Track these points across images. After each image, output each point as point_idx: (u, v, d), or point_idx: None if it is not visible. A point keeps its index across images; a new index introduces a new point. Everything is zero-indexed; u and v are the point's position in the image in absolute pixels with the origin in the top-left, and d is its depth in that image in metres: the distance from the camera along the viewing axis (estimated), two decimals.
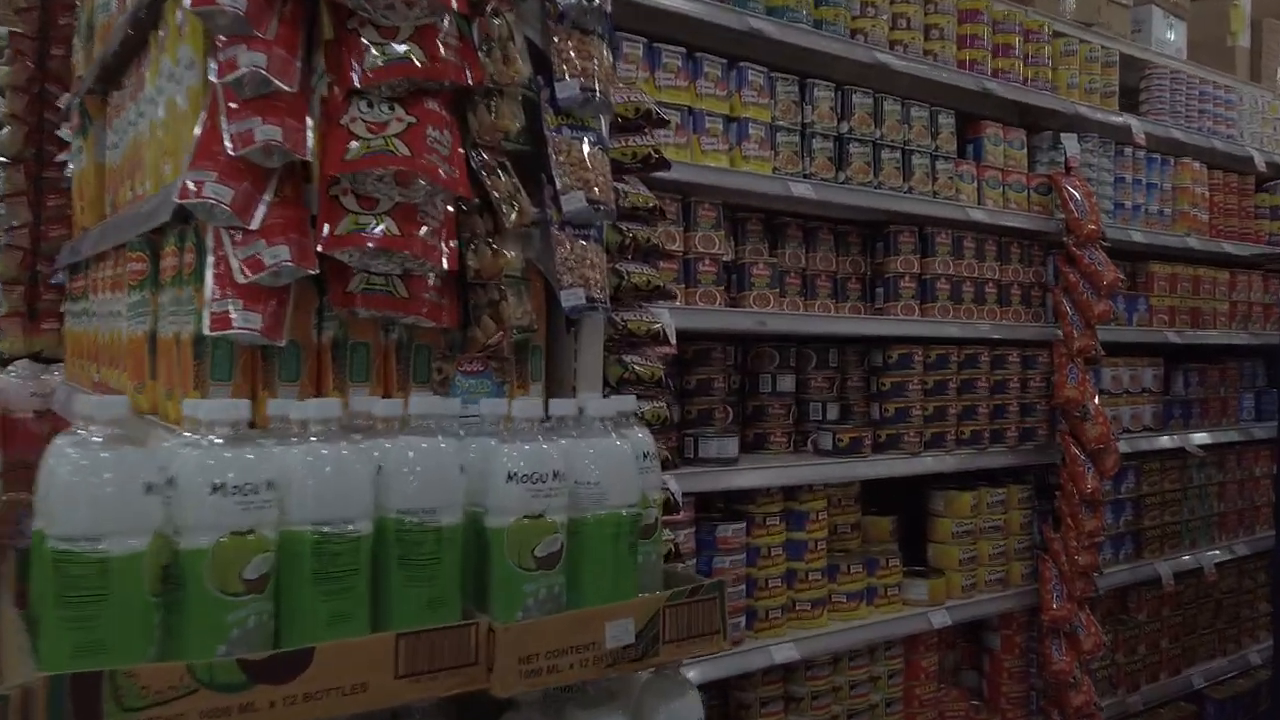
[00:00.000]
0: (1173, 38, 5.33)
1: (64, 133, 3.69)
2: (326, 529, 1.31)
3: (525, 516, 1.45)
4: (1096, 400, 3.91)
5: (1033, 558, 3.93)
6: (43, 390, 3.18)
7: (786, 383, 3.33)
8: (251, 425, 1.80)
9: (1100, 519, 3.88)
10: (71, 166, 3.22)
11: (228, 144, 1.64)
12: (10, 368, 3.25)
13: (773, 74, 3.12)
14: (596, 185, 2.10)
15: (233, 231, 1.68)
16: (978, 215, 3.66)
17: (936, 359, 3.55)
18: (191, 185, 1.63)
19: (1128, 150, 4.57)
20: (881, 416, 3.44)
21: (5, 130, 3.66)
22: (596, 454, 1.55)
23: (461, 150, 1.87)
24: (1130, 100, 4.81)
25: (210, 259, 1.69)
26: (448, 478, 1.43)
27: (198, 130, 1.70)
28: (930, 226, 3.60)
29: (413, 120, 1.77)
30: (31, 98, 3.67)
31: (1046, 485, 4.07)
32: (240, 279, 1.65)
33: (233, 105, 1.66)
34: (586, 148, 2.13)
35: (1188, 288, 4.93)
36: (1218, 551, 4.89)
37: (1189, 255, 4.98)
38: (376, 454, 1.43)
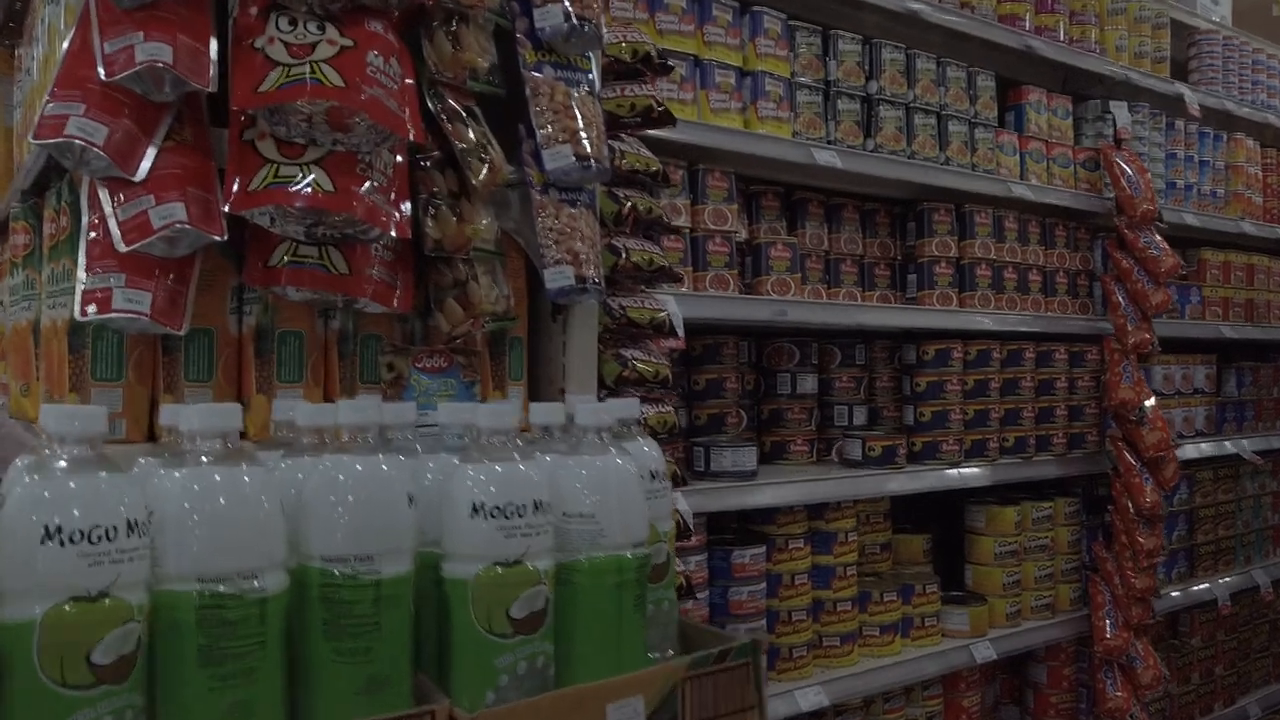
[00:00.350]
0: (1217, 3, 5.03)
1: None
2: (219, 588, 0.97)
3: (497, 563, 1.11)
4: (1153, 402, 3.59)
5: (1081, 580, 3.61)
6: None
7: (808, 383, 3.00)
8: (152, 438, 1.48)
9: (1159, 537, 3.56)
10: None
11: (100, 68, 1.30)
12: None
13: (791, 22, 2.78)
14: (587, 138, 1.76)
15: (112, 185, 1.33)
16: (1021, 192, 3.34)
17: (977, 356, 3.22)
18: (50, 121, 1.29)
19: (1179, 123, 4.25)
20: (916, 421, 3.11)
21: None
22: (591, 476, 1.21)
23: (413, 83, 1.54)
24: (1176, 72, 4.50)
25: (85, 222, 1.35)
26: (391, 512, 1.09)
27: (63, 46, 1.35)
28: (969, 204, 3.27)
29: (349, 44, 1.43)
30: None
31: (1094, 498, 3.75)
32: (122, 246, 1.31)
33: (107, 17, 1.31)
34: (574, 92, 1.79)
35: (1241, 277, 4.63)
36: (1275, 566, 4.59)
37: (1243, 241, 4.67)
38: (292, 480, 1.09)
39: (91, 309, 1.30)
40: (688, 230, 2.55)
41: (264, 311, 1.52)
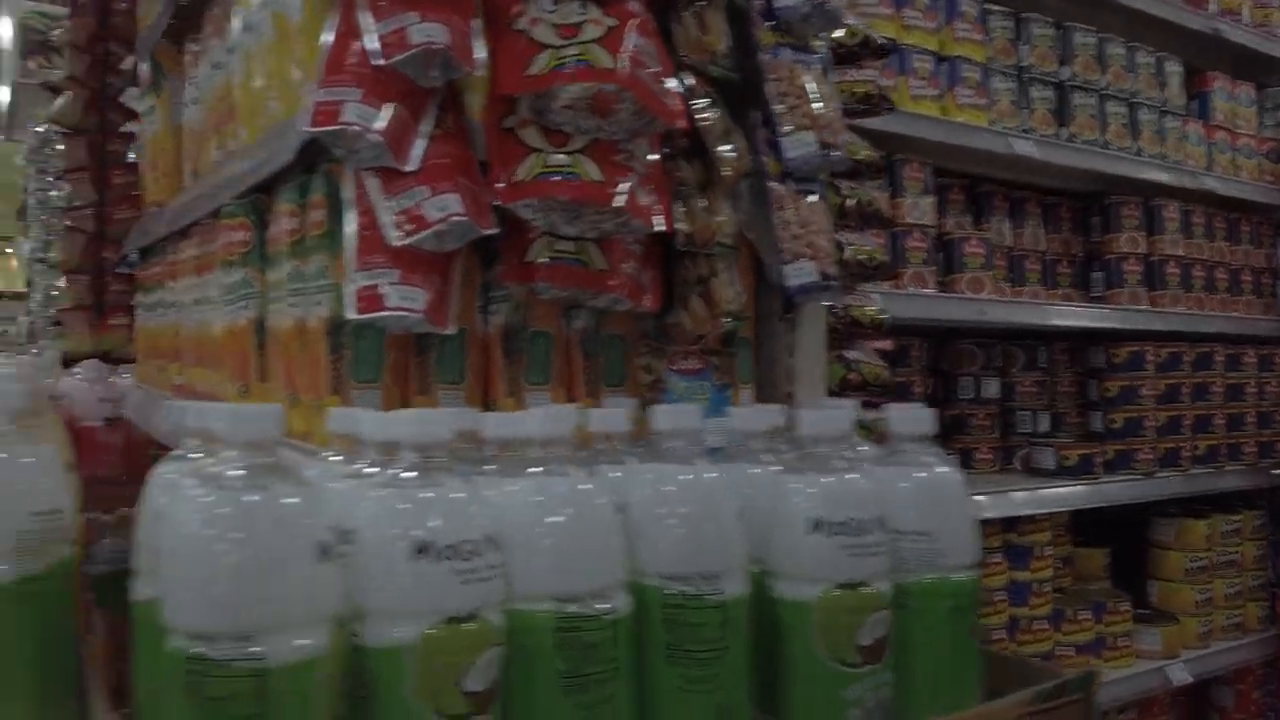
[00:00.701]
0: None
1: (129, 99, 3.36)
2: (571, 608, 0.89)
3: (840, 585, 1.02)
4: None
5: (1269, 598, 3.41)
6: (113, 395, 2.84)
7: (991, 387, 2.86)
8: None
9: None
10: (142, 132, 2.87)
11: (374, 47, 1.23)
12: (76, 369, 2.90)
13: (984, 3, 2.66)
14: (828, 125, 1.67)
15: (383, 175, 1.27)
16: (1210, 184, 3.16)
17: (1168, 359, 3.05)
18: (325, 107, 1.23)
19: None
20: (1107, 428, 2.95)
21: (65, 97, 3.35)
22: (924, 490, 1.11)
23: (671, 67, 1.45)
24: None
25: (352, 214, 1.29)
26: (731, 526, 1.00)
27: (328, 38, 1.29)
28: (1157, 197, 3.10)
29: (613, 23, 1.34)
30: (94, 59, 3.34)
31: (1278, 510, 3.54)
32: (395, 240, 1.25)
33: None
34: (811, 77, 1.70)
35: None
36: None
37: None
38: (620, 490, 1.01)
39: (366, 306, 1.24)
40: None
41: (513, 310, 1.45)
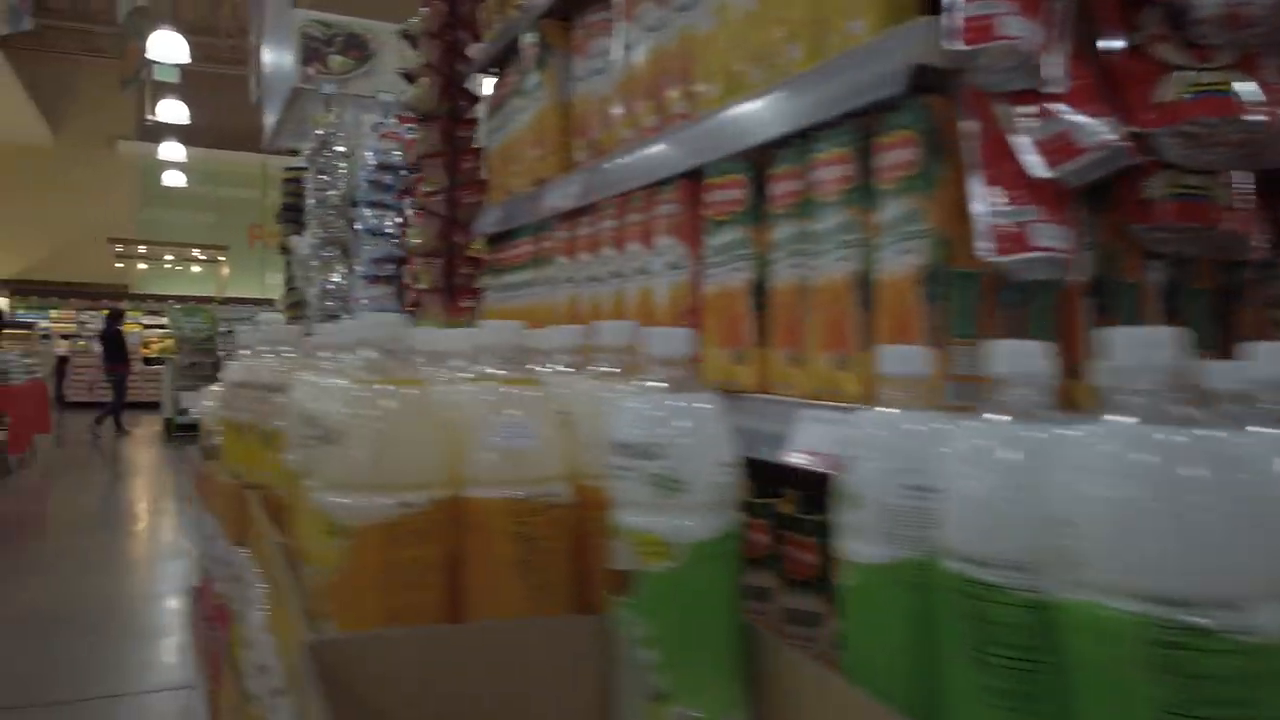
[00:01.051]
0: None
1: (475, 84, 3.44)
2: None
3: None
4: None
5: None
6: None
7: None
8: None
9: None
10: (520, 110, 2.88)
11: None
12: None
13: None
14: None
15: (1017, 99, 1.14)
16: None
17: None
18: (977, 23, 1.10)
19: None
20: None
21: (420, 84, 3.44)
22: None
23: None
24: None
25: (976, 146, 1.16)
26: None
27: None
28: None
29: None
30: (445, 46, 3.43)
31: None
32: (1040, 170, 1.11)
33: None
34: None
35: None
36: None
37: None
38: None
39: (1006, 248, 1.11)
40: None
41: (1103, 259, 1.29)
